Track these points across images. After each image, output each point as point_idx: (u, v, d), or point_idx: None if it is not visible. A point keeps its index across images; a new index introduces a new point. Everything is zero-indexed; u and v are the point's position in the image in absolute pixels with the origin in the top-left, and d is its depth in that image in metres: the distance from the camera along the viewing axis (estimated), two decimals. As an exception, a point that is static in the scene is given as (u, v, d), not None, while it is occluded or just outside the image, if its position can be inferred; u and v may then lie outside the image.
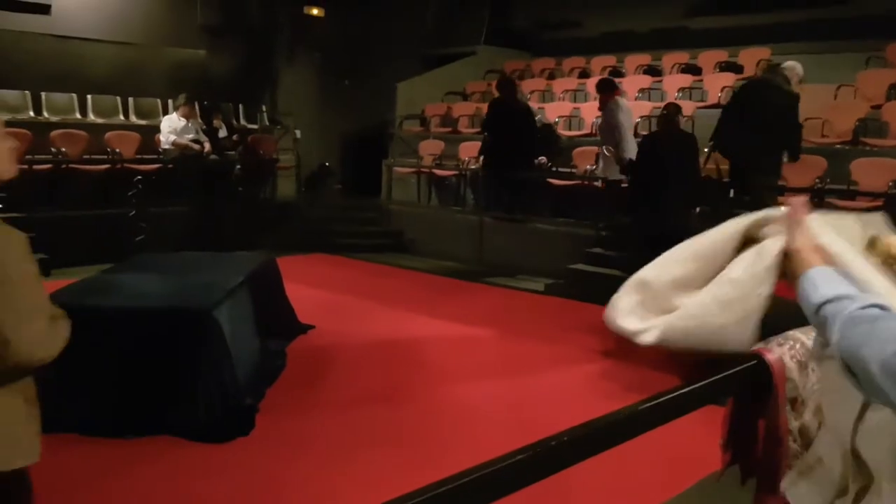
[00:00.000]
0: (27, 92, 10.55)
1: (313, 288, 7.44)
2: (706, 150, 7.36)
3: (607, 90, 8.73)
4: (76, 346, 3.98)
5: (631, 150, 8.31)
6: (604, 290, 7.84)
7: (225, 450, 3.81)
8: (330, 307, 6.88)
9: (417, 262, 8.44)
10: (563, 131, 10.52)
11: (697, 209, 7.44)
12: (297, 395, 4.60)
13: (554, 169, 9.47)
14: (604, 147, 8.74)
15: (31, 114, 10.42)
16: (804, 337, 2.01)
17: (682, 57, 11.76)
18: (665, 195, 6.92)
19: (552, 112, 10.77)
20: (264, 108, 12.72)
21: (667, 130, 7.33)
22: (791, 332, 2.05)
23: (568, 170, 9.40)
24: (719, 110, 9.98)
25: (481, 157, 9.60)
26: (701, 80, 10.59)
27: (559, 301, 7.57)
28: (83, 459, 3.66)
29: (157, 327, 4.06)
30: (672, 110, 7.42)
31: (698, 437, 3.12)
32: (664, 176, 6.98)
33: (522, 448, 1.36)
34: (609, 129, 8.62)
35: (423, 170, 11.07)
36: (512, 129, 8.91)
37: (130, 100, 11.31)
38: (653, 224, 6.76)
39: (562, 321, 6.75)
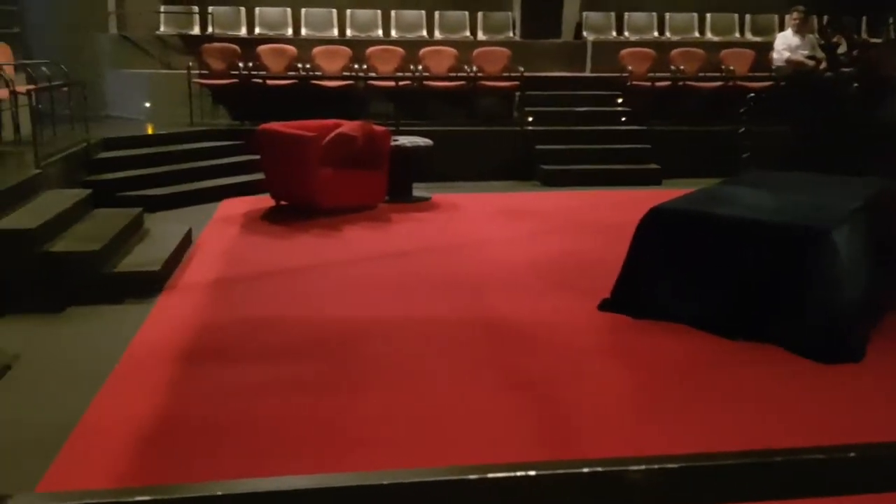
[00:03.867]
0: (655, 13, 11.42)
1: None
2: None
3: None
4: (694, 247, 4.40)
5: None
6: None
7: (826, 371, 3.76)
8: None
9: None
10: None
11: None
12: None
13: None
14: None
15: (656, 34, 11.30)
16: None
17: None
18: None
19: None
20: (891, 20, 11.33)
21: None
22: None
23: None
24: None
25: None
26: None
27: None
28: (688, 351, 4.04)
29: (772, 240, 4.15)
30: None
31: None
32: None
33: None
34: None
35: None
36: None
37: (747, 17, 11.33)
38: None
39: None
